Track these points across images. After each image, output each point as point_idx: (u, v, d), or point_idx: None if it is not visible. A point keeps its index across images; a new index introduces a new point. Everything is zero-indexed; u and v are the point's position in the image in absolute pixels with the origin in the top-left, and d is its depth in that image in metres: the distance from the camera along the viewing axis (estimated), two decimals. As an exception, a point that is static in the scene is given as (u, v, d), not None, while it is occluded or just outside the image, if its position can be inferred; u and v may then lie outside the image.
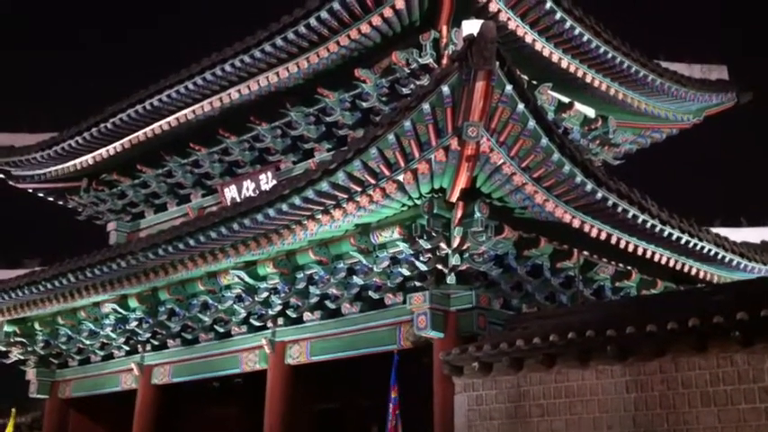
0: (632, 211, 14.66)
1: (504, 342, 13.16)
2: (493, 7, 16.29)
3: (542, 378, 12.92)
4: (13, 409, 21.37)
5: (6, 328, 21.45)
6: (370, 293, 15.83)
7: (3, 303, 20.48)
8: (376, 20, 16.61)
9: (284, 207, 14.50)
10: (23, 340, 21.59)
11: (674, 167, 38.37)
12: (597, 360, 12.36)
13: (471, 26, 12.68)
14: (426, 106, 12.79)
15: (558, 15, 17.04)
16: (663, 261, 16.54)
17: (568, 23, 17.31)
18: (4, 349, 21.88)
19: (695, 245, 16.27)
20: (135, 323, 19.80)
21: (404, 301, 14.96)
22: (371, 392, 16.54)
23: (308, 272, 16.65)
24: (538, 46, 17.53)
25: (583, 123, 20.60)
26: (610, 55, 18.39)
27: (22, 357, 22.05)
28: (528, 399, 13.01)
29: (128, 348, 20.54)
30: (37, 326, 21.45)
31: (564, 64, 18.22)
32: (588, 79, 18.89)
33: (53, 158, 23.33)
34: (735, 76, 22.41)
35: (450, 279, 14.53)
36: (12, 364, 22.33)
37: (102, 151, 22.55)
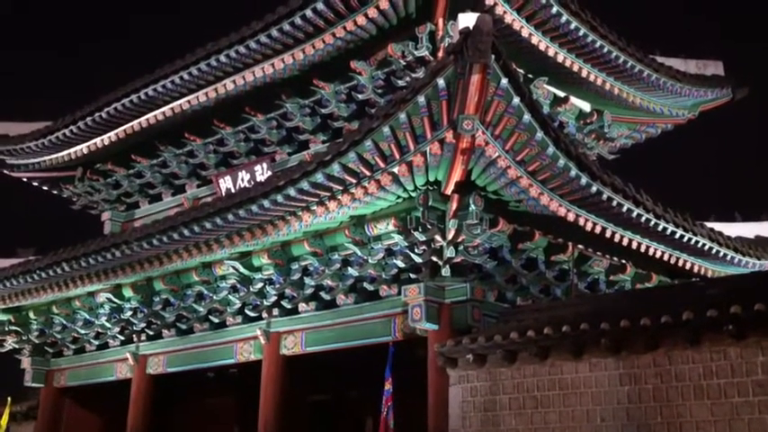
0: (627, 205, 14.67)
1: (498, 334, 13.20)
2: (489, 0, 16.26)
3: (536, 370, 12.96)
4: (9, 398, 21.43)
5: (1, 317, 21.46)
6: (365, 285, 15.84)
7: (-2, 292, 20.48)
8: (372, 12, 16.57)
9: (279, 198, 14.49)
10: (18, 329, 21.63)
11: (669, 162, 38.49)
12: (591, 353, 12.40)
13: (467, 19, 12.65)
14: (422, 99, 12.79)
15: (555, 9, 17.04)
16: (657, 255, 16.56)
17: (564, 18, 17.31)
18: (-1, 338, 21.94)
19: (690, 239, 16.32)
20: (130, 313, 19.82)
21: (398, 293, 14.98)
22: (366, 385, 16.57)
23: (303, 263, 16.65)
24: (534, 40, 17.52)
25: (578, 117, 20.63)
26: (606, 50, 18.39)
27: (16, 346, 22.07)
28: (522, 391, 13.06)
29: (122, 338, 20.57)
30: (32, 315, 21.46)
31: (560, 58, 18.22)
32: (584, 74, 18.89)
33: (48, 147, 23.26)
34: (730, 72, 22.44)
35: (445, 271, 14.54)
36: (7, 353, 22.36)
37: (97, 141, 22.48)
